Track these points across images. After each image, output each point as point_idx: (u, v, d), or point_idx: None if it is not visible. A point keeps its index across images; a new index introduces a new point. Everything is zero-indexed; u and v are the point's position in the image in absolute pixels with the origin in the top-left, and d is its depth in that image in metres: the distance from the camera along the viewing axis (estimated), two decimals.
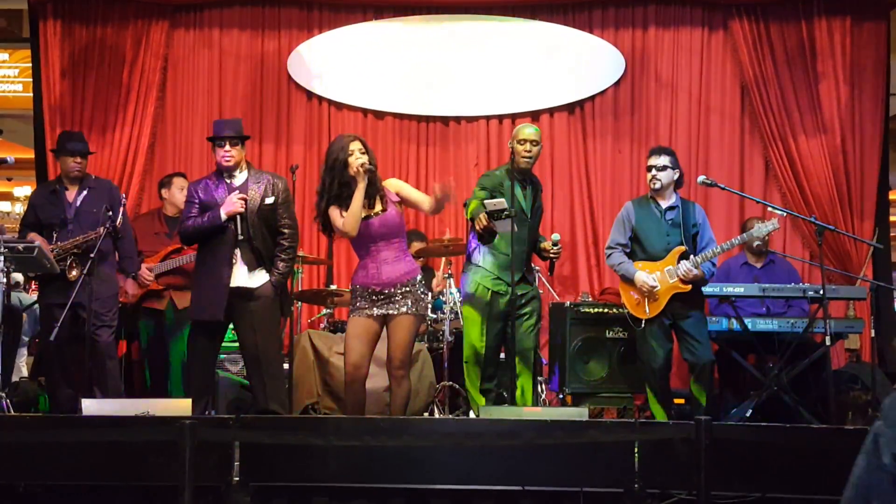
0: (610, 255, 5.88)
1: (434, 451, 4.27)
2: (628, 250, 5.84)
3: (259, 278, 5.30)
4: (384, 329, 5.04)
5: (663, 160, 5.78)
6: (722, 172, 7.67)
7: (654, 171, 5.79)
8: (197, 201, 5.35)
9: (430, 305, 6.74)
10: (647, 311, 5.68)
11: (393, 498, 4.33)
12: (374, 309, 4.95)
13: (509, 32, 8.09)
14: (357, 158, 4.95)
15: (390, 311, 4.94)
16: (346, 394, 5.08)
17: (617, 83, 8.00)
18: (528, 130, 5.72)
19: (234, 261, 5.27)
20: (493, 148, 8.02)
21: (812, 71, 7.70)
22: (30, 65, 8.25)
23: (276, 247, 5.37)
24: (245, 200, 5.25)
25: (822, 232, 5.70)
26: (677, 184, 5.86)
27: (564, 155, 8.03)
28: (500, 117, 8.03)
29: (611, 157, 8.01)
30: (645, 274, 5.67)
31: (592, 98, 8.04)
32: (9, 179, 13.50)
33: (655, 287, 5.63)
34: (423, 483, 4.31)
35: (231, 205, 5.23)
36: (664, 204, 5.81)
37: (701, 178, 5.91)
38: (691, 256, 5.66)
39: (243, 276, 5.28)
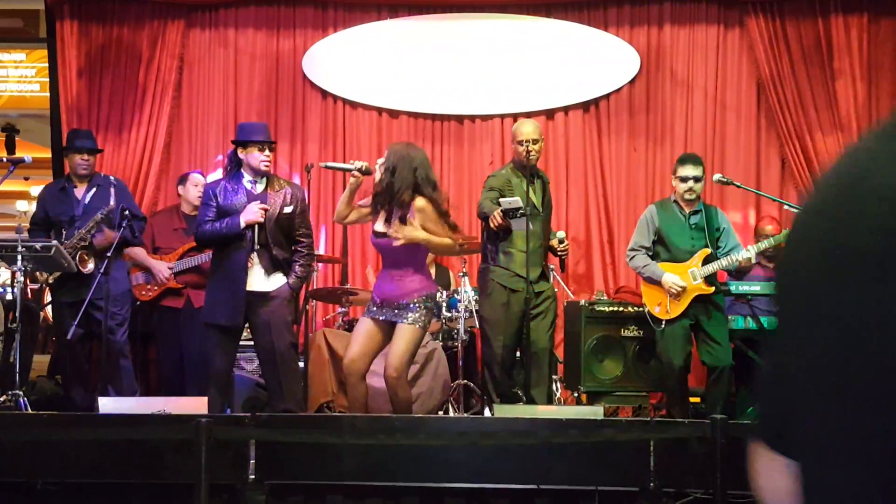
0: (633, 256, 5.85)
1: (449, 449, 4.28)
2: (651, 253, 5.82)
3: (275, 281, 5.33)
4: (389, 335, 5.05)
5: (698, 171, 5.75)
6: (738, 170, 7.64)
7: (690, 183, 5.74)
8: (214, 205, 5.37)
9: (443, 305, 6.75)
10: (669, 311, 5.66)
11: (407, 496, 4.34)
12: (380, 313, 4.99)
13: (524, 30, 8.08)
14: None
15: (394, 320, 4.96)
16: (347, 389, 5.11)
17: (632, 81, 7.98)
18: (526, 129, 5.71)
19: (250, 265, 5.30)
20: (507, 146, 7.99)
21: (828, 68, 7.66)
22: (47, 65, 8.30)
23: (294, 254, 5.42)
24: (265, 211, 5.28)
25: None
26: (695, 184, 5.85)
27: (579, 153, 8.02)
28: (515, 115, 8.00)
29: (626, 155, 7.98)
30: (673, 276, 5.65)
31: (607, 96, 8.02)
32: (26, 179, 13.58)
33: (684, 289, 5.61)
34: (438, 481, 4.32)
35: (251, 214, 5.25)
36: (688, 208, 5.80)
37: (717, 176, 5.89)
38: (731, 255, 5.64)
39: (260, 280, 5.31)
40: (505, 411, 5.06)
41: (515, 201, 5.34)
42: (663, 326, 5.71)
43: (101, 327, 5.82)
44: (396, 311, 4.96)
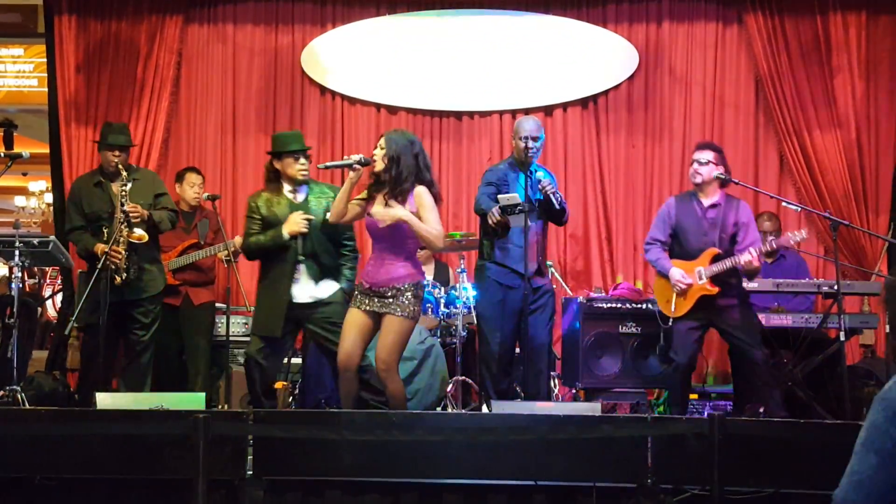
0: (648, 250, 5.80)
1: (447, 445, 4.28)
2: (667, 247, 5.75)
3: (328, 287, 5.34)
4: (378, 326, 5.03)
5: (706, 155, 5.68)
6: (736, 167, 7.60)
7: (695, 165, 5.69)
8: (258, 217, 5.38)
9: (442, 301, 6.75)
10: (674, 309, 5.61)
11: (405, 492, 4.34)
12: (368, 304, 4.97)
13: (522, 27, 8.07)
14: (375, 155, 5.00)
15: (381, 310, 4.94)
16: (341, 383, 5.10)
17: (630, 77, 7.98)
18: (527, 126, 5.68)
19: (297, 276, 5.31)
20: (506, 142, 8.00)
21: (827, 65, 7.66)
22: (45, 60, 8.28)
23: (341, 258, 5.45)
24: (309, 221, 5.27)
25: (837, 227, 5.66)
26: (723, 182, 5.75)
27: (577, 149, 8.01)
28: (514, 112, 8.00)
29: (624, 152, 7.98)
30: (680, 272, 5.58)
31: (606, 92, 8.01)
32: (24, 174, 13.56)
33: (690, 285, 5.54)
34: (436, 478, 4.32)
35: (294, 225, 5.25)
36: (706, 202, 5.69)
37: (715, 172, 5.86)
38: (735, 256, 5.51)
39: (310, 289, 5.33)
40: (503, 407, 5.06)
41: (514, 197, 5.32)
42: (670, 323, 5.68)
43: (132, 323, 5.81)
44: (384, 299, 4.93)
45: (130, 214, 5.68)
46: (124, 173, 5.76)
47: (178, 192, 6.82)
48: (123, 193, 5.69)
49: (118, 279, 5.64)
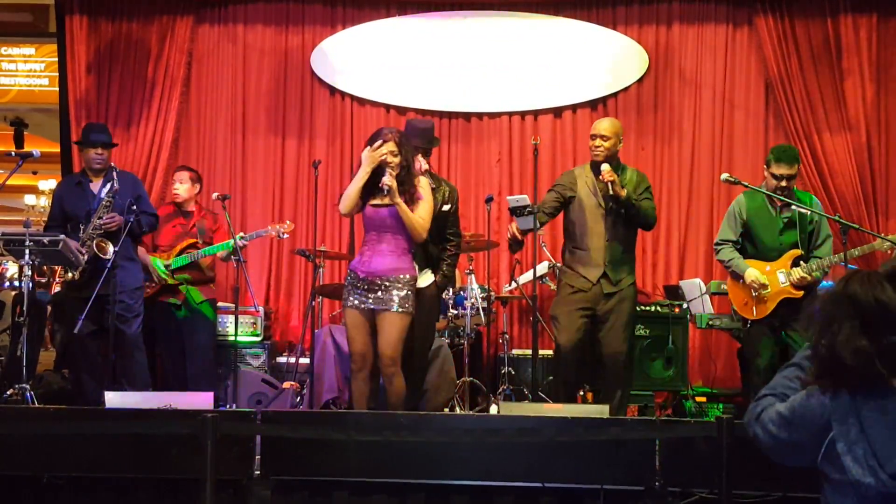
0: (719, 250, 5.66)
1: (454, 447, 4.28)
2: (739, 246, 5.61)
3: (425, 278, 5.35)
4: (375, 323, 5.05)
5: (795, 169, 5.50)
6: (745, 169, 7.61)
7: (784, 182, 5.47)
8: None
9: (450, 302, 6.75)
10: (755, 312, 5.49)
11: (413, 493, 4.34)
12: (362, 301, 4.98)
13: (532, 29, 8.07)
14: (383, 156, 4.97)
15: (376, 307, 4.95)
16: (352, 383, 5.10)
17: (640, 80, 7.96)
18: (596, 125, 5.75)
19: None
20: (515, 144, 8.01)
21: (837, 68, 7.63)
22: (56, 59, 8.32)
23: (443, 251, 5.48)
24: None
25: (847, 230, 5.63)
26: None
27: (587, 152, 7.96)
28: (523, 113, 8.01)
29: (634, 154, 7.95)
30: (756, 272, 5.44)
31: (616, 94, 8.00)
32: (34, 173, 13.62)
33: (766, 287, 5.42)
34: (443, 479, 4.32)
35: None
36: (779, 203, 5.53)
37: (724, 175, 5.80)
38: (801, 263, 5.44)
39: None
40: (510, 409, 5.05)
41: (522, 199, 5.37)
42: (749, 326, 5.54)
43: (113, 320, 5.83)
44: (377, 294, 4.95)
45: (105, 225, 5.87)
46: (116, 186, 5.87)
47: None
48: (107, 202, 5.85)
49: (75, 275, 5.87)
